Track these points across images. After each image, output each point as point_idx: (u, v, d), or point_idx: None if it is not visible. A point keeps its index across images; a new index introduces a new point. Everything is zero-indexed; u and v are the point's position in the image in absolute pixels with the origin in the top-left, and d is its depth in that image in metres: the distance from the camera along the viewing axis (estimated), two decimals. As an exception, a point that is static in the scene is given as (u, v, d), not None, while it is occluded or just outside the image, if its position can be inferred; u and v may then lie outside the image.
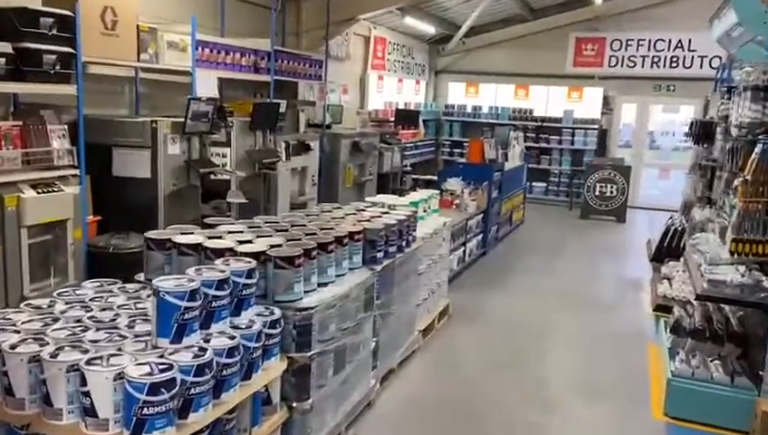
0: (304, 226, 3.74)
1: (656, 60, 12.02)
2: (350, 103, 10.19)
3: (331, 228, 3.63)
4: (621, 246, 9.40)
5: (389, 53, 11.47)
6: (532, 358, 4.90)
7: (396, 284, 4.19)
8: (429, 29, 12.04)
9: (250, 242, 3.20)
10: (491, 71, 13.06)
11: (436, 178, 8.98)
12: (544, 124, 12.89)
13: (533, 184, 12.61)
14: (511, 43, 12.79)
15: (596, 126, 12.53)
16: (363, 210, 4.31)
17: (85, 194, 4.55)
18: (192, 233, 3.30)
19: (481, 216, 7.68)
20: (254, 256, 2.95)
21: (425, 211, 4.99)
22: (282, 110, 7.34)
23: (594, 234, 10.06)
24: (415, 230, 4.49)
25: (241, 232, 3.42)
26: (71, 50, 4.31)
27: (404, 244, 4.21)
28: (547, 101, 13.22)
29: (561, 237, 9.67)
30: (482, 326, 5.52)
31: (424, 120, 12.73)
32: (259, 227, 3.67)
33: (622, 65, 12.24)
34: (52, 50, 4.18)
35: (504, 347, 5.09)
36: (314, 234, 3.46)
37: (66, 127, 4.47)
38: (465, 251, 7.04)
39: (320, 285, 3.25)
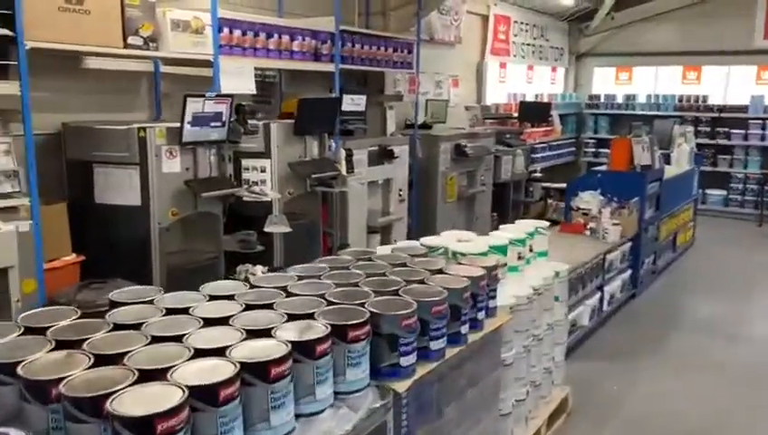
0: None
1: None
2: (461, 97, 8.41)
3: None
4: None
5: (515, 35, 9.49)
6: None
7: (453, 396, 2.43)
8: (568, 3, 9.88)
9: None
10: (649, 50, 10.51)
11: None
12: (723, 115, 10.07)
13: (707, 192, 9.89)
14: (676, 13, 10.15)
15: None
16: (400, 266, 2.59)
17: (39, 230, 3.31)
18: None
19: (629, 245, 5.56)
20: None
21: (520, 259, 3.14)
22: (360, 107, 5.81)
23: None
24: (493, 297, 2.69)
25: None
26: (6, 32, 3.09)
27: (463, 328, 2.43)
28: (727, 84, 10.40)
29: (749, 268, 7.10)
30: (624, 432, 3.56)
31: (561, 115, 10.55)
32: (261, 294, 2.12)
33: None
34: (-27, 32, 2.99)
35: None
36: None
37: (10, 141, 3.26)
38: (601, 298, 5.00)
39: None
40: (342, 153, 4.80)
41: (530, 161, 9.00)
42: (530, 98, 9.83)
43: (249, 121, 3.94)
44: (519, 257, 3.14)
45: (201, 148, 3.77)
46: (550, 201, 9.12)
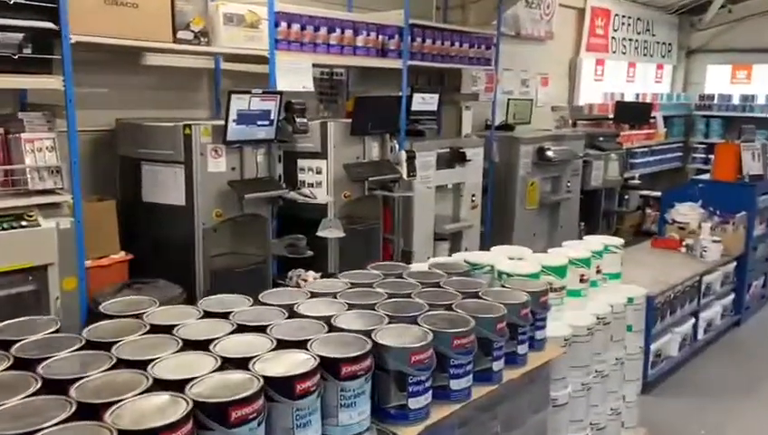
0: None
1: None
2: (550, 97, 7.84)
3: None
4: None
5: (615, 30, 8.76)
6: None
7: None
8: (676, -6, 9.02)
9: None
10: (772, 46, 9.41)
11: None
12: None
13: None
14: (806, 3, 9.01)
15: None
16: (431, 287, 2.24)
17: (80, 228, 3.26)
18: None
19: (732, 265, 4.85)
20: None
21: (583, 281, 2.70)
22: (431, 106, 5.49)
23: None
24: (541, 327, 2.29)
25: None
26: (50, 25, 3.05)
27: (497, 364, 2.05)
28: None
29: None
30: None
31: (666, 117, 9.65)
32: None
33: None
34: (18, 25, 2.96)
35: None
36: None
37: (55, 136, 3.23)
38: (695, 325, 4.38)
39: None
40: (403, 155, 4.49)
41: (626, 167, 8.27)
42: (629, 98, 9.05)
43: (298, 120, 3.72)
44: (582, 280, 2.70)
45: (248, 147, 3.60)
46: (648, 211, 8.35)
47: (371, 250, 4.68)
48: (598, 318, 2.67)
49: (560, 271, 2.57)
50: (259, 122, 3.56)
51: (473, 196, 5.71)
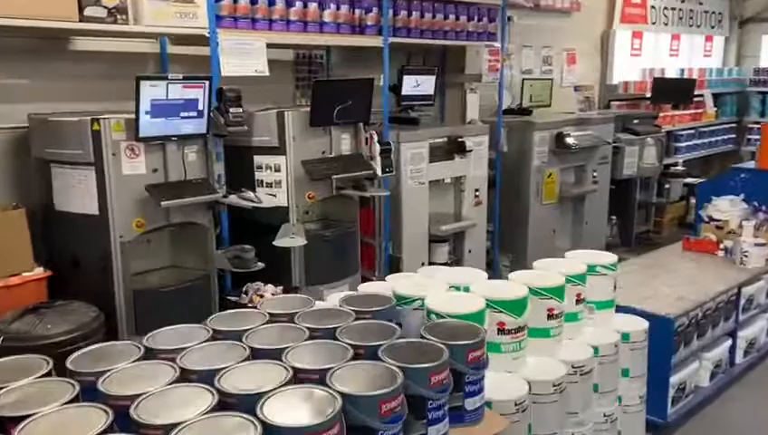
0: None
1: None
2: (579, 76, 6.97)
3: None
4: None
5: (654, -2, 7.80)
6: None
7: None
8: (727, -45, 7.96)
9: None
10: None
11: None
12: None
13: None
14: None
15: None
16: (319, 337, 1.61)
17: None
18: None
19: None
20: None
21: (554, 317, 2.00)
22: (426, 90, 4.82)
23: None
24: (473, 393, 1.63)
25: None
26: None
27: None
28: None
29: None
30: None
31: (716, 95, 8.61)
32: None
33: None
34: None
35: None
36: None
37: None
38: (732, 347, 3.58)
39: None
40: (377, 148, 3.83)
41: (667, 152, 7.35)
42: (672, 74, 8.06)
43: (231, 110, 3.12)
44: (551, 315, 2.01)
45: (172, 144, 3.02)
46: (694, 201, 7.40)
47: (347, 258, 4.06)
48: (573, 367, 1.98)
49: (516, 306, 1.89)
50: (183, 114, 2.98)
51: (476, 191, 5.01)
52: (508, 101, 5.80)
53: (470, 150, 4.80)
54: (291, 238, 3.59)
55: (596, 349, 2.08)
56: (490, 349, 1.85)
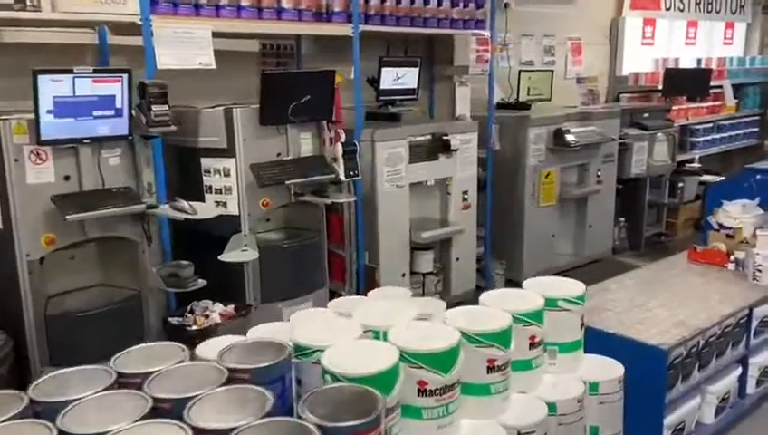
0: None
1: None
2: (586, 67, 6.48)
3: None
4: None
5: (668, -18, 7.25)
6: None
7: None
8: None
9: None
10: None
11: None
12: None
13: None
14: None
15: None
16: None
17: None
18: None
19: None
20: None
21: (496, 370, 1.59)
22: (408, 83, 4.42)
23: None
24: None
25: None
26: None
27: None
28: None
29: None
30: None
31: (738, 85, 8.03)
32: None
33: None
34: None
35: None
36: None
37: None
38: (743, 377, 3.10)
39: None
40: (339, 149, 3.42)
41: (682, 147, 6.85)
42: (689, 64, 7.51)
43: (154, 108, 2.73)
44: (493, 368, 1.59)
45: (86, 148, 2.65)
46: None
47: (311, 270, 3.67)
48: (519, 434, 1.56)
49: (442, 360, 1.47)
50: (97, 113, 2.60)
51: (464, 193, 4.58)
52: (501, 95, 5.35)
53: (456, 149, 4.37)
54: (241, 252, 3.21)
55: (553, 406, 1.66)
56: (407, 414, 1.45)
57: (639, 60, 7.08)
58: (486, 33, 4.58)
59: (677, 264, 3.69)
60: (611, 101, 6.83)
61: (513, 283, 5.22)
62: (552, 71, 5.62)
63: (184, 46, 3.12)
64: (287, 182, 3.24)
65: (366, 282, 4.06)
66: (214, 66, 3.24)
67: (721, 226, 3.65)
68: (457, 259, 4.62)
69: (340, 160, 3.40)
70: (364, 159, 3.92)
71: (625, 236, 6.06)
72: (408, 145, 4.17)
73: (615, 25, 6.86)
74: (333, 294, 3.78)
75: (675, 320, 2.79)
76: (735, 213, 3.60)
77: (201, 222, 3.08)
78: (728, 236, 3.57)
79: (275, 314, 3.37)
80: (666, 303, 3.02)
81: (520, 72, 5.33)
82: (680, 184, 6.46)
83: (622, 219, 6.02)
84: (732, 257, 3.47)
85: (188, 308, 3.23)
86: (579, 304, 1.82)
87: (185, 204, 2.85)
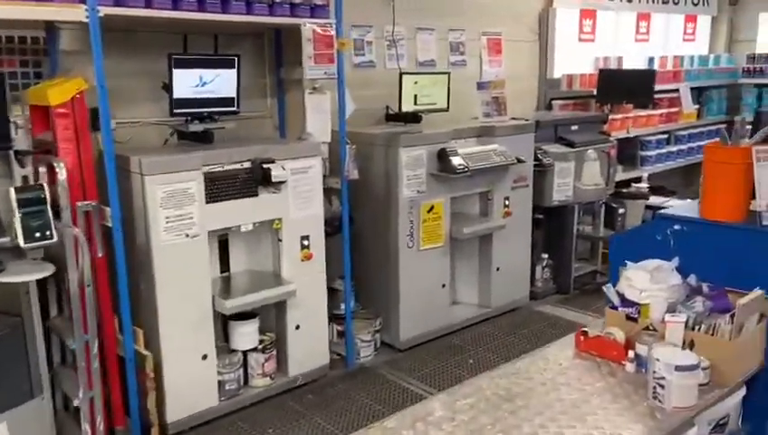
0: None
1: None
2: (509, 68, 5.34)
3: None
4: None
5: (610, -34, 6.11)
6: None
7: None
8: None
9: None
10: None
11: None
12: None
13: None
14: None
15: None
16: None
17: None
18: None
19: (733, 401, 2.31)
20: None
21: None
22: (224, 91, 3.28)
23: None
24: None
25: None
26: None
27: None
28: None
29: None
30: None
31: (700, 89, 6.91)
32: None
33: None
34: None
35: None
36: None
37: None
38: None
39: None
40: (13, 198, 2.23)
41: (632, 163, 5.75)
42: (639, 64, 6.37)
43: None
44: None
45: None
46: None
47: (15, 361, 2.48)
48: None
49: None
50: None
51: (304, 239, 3.41)
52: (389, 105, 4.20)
53: (281, 181, 3.20)
54: None
55: None
56: None
57: (577, 60, 5.92)
58: (330, 21, 3.39)
59: (559, 357, 2.53)
60: (543, 110, 5.70)
61: (389, 346, 4.06)
62: (449, 73, 4.45)
63: None
64: None
65: (137, 375, 2.89)
66: None
67: (623, 299, 2.50)
68: (297, 327, 3.44)
69: (17, 215, 2.21)
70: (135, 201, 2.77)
71: (549, 277, 4.91)
72: (204, 178, 3.00)
73: (544, 18, 5.70)
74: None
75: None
76: (640, 282, 2.45)
77: None
78: (629, 317, 2.42)
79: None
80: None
81: (401, 74, 4.15)
82: (621, 210, 5.30)
83: (545, 256, 4.87)
84: (631, 353, 2.31)
85: None
86: None
87: None
